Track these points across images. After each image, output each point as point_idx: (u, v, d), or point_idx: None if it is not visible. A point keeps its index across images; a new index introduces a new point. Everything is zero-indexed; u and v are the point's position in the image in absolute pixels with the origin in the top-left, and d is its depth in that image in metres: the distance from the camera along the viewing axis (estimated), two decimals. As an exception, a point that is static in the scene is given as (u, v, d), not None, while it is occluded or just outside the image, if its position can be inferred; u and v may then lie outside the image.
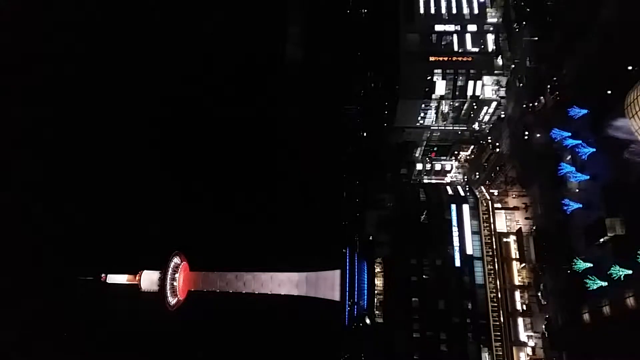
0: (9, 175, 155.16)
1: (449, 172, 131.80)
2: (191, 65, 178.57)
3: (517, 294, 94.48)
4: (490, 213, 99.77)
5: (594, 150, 72.23)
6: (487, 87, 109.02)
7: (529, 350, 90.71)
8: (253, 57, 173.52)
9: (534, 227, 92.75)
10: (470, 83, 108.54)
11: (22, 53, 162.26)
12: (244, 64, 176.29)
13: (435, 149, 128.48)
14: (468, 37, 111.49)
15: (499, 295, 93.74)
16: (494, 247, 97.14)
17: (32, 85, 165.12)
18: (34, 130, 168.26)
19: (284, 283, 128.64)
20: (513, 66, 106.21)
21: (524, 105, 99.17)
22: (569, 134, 77.14)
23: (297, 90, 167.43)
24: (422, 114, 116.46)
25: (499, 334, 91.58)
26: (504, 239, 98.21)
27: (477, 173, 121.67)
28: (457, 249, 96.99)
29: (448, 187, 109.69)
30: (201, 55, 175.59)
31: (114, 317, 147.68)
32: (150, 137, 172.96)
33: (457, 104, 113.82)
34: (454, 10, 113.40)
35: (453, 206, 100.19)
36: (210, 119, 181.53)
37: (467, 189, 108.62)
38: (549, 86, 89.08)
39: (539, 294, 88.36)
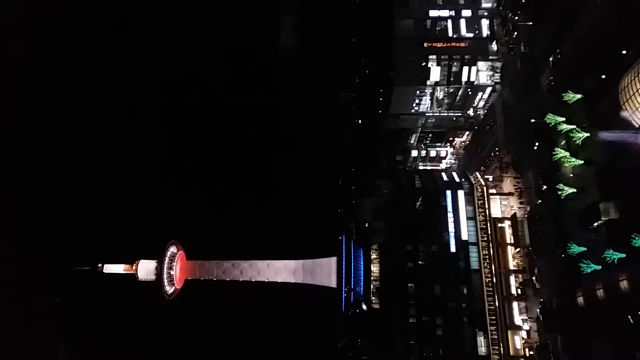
0: (4, 165, 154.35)
1: (444, 158, 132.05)
2: (183, 56, 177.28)
3: (512, 278, 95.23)
4: (485, 199, 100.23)
5: (588, 134, 72.43)
6: (481, 73, 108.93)
7: (524, 334, 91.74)
8: (246, 45, 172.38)
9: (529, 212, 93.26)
10: (465, 69, 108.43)
11: (22, 53, 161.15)
12: (237, 53, 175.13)
13: (430, 135, 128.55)
14: (462, 22, 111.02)
15: (494, 280, 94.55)
16: (489, 232, 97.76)
17: (32, 82, 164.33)
18: (32, 121, 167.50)
19: (280, 271, 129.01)
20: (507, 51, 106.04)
21: (519, 91, 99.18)
22: (564, 118, 77.26)
23: (291, 78, 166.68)
24: (417, 101, 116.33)
25: (494, 318, 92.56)
26: (499, 224, 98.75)
27: (472, 159, 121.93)
28: (452, 234, 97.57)
29: (443, 174, 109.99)
30: (193, 45, 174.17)
31: (111, 307, 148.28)
32: (145, 128, 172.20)
33: (451, 90, 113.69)
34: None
35: (448, 192, 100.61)
36: (203, 107, 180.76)
37: (462, 175, 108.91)
38: (543, 71, 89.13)
39: (534, 278, 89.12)
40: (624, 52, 65.81)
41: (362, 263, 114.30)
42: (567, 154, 76.36)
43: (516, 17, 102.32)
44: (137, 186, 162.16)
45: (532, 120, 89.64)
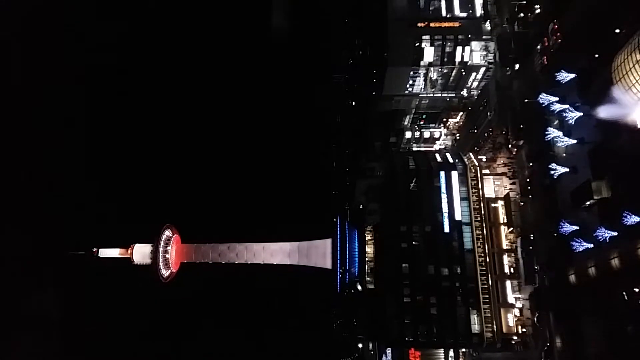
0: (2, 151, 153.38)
1: (438, 139, 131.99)
2: (175, 38, 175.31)
3: (505, 257, 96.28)
4: (479, 179, 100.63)
5: (581, 114, 72.63)
6: (475, 53, 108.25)
7: (516, 312, 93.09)
8: (239, 26, 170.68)
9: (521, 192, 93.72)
10: (459, 49, 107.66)
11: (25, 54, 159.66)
12: (229, 34, 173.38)
13: (424, 116, 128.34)
14: (456, 2, 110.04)
15: (488, 259, 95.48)
16: (483, 212, 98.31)
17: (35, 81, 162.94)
18: (29, 109, 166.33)
19: (276, 253, 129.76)
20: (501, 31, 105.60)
21: (512, 71, 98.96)
22: (557, 98, 77.34)
23: (284, 60, 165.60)
24: (410, 82, 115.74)
25: (487, 296, 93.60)
26: (492, 204, 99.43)
27: (466, 139, 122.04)
28: (446, 215, 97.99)
29: (437, 155, 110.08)
30: (184, 24, 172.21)
31: (107, 292, 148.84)
32: (139, 113, 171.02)
33: (445, 71, 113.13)
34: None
35: (442, 173, 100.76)
36: (198, 90, 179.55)
37: (456, 155, 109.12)
38: (537, 50, 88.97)
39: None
40: (617, 30, 65.76)
41: (356, 244, 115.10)
42: (560, 133, 76.66)
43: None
44: (131, 170, 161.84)
45: (526, 100, 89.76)
